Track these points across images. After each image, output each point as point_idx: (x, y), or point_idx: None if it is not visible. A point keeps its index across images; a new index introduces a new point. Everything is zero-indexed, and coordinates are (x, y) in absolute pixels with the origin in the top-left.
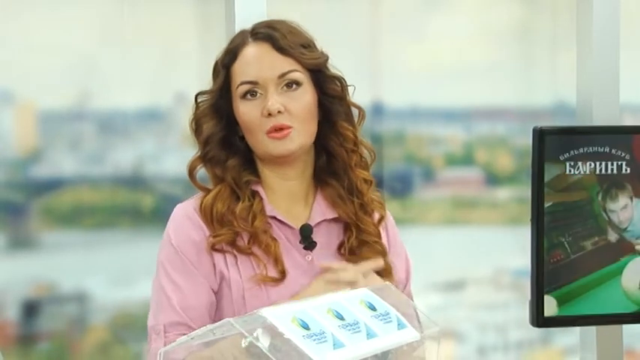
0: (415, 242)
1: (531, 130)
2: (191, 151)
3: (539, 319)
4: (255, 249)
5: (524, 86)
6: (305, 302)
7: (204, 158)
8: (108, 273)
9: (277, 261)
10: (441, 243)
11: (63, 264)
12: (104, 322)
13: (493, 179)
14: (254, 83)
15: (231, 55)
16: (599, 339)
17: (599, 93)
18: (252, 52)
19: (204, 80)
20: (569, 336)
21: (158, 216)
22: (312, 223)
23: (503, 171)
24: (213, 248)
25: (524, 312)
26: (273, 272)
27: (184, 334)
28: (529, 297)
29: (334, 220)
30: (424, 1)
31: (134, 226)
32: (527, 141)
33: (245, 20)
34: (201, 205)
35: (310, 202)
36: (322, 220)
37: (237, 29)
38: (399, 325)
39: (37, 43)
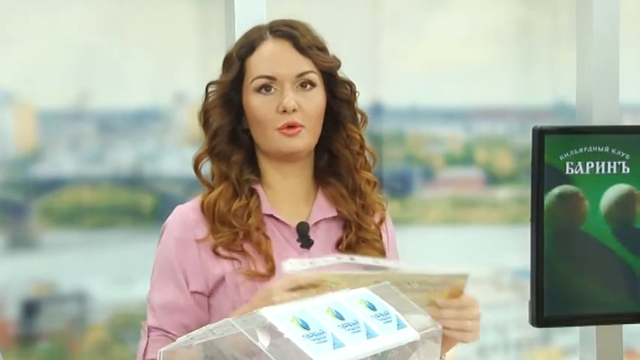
0: (415, 242)
1: (531, 130)
2: (190, 151)
3: (539, 319)
4: (247, 246)
5: (524, 86)
6: (305, 302)
7: (211, 152)
8: (107, 273)
9: (267, 258)
10: (441, 243)
11: (63, 264)
12: (104, 321)
13: (493, 179)
14: (271, 78)
15: (247, 48)
16: (599, 339)
17: (599, 93)
18: (272, 48)
19: (204, 80)
20: (569, 336)
21: (158, 216)
22: (312, 222)
23: (503, 171)
24: (214, 250)
25: (524, 312)
26: (263, 269)
27: (164, 337)
28: (529, 297)
29: (334, 218)
30: (424, 1)
31: (134, 225)
32: (527, 141)
33: (245, 20)
34: (202, 203)
35: (311, 201)
36: (321, 219)
37: (237, 29)
38: (398, 324)
39: (36, 42)
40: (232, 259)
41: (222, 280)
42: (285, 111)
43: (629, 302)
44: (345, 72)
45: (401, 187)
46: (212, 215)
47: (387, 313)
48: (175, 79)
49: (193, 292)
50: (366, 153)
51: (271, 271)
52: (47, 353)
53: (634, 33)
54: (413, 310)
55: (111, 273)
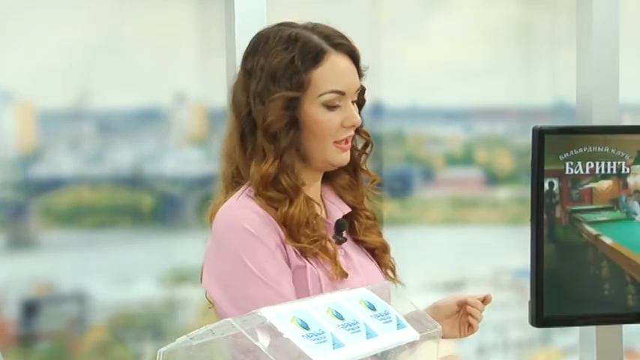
0: (415, 242)
1: (531, 130)
2: (190, 151)
3: (539, 319)
4: (318, 251)
5: (524, 86)
6: (304, 302)
7: (281, 166)
8: (107, 273)
9: (336, 263)
10: (441, 243)
11: (62, 264)
12: (103, 321)
13: (493, 179)
14: (342, 94)
15: (313, 59)
16: (599, 339)
17: (598, 93)
18: (340, 62)
19: (203, 80)
20: (569, 336)
21: (158, 216)
22: (339, 217)
23: (502, 171)
24: (304, 256)
25: (524, 312)
26: (334, 271)
27: None
28: (529, 297)
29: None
30: (424, 1)
31: (134, 226)
32: (527, 141)
33: (245, 20)
34: (287, 213)
35: (320, 199)
36: (343, 215)
37: (237, 29)
38: (398, 324)
39: (36, 42)
40: (308, 259)
41: (303, 271)
42: (353, 126)
43: (629, 302)
44: None
45: (401, 187)
46: (297, 224)
47: (387, 313)
48: (175, 79)
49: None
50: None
51: (342, 273)
52: (47, 353)
53: (634, 33)
54: (413, 310)
55: (111, 273)
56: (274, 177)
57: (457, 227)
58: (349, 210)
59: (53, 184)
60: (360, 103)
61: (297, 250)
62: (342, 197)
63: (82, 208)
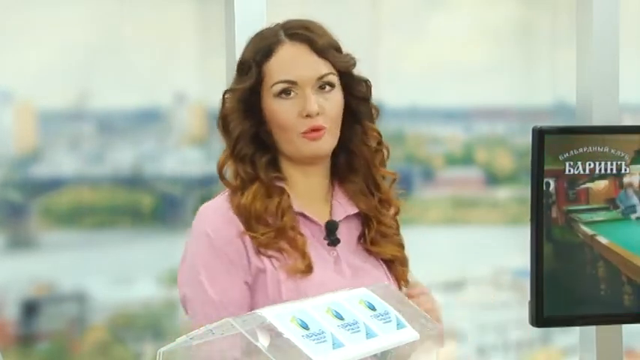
0: (415, 242)
1: (531, 130)
2: (190, 151)
3: (539, 319)
4: (283, 244)
5: (524, 86)
6: (304, 302)
7: (235, 156)
8: (107, 273)
9: (304, 255)
10: (441, 243)
11: (62, 264)
12: (103, 321)
13: (493, 179)
14: (292, 83)
15: (264, 52)
16: (599, 339)
17: (598, 93)
18: (291, 52)
19: (203, 80)
20: (569, 336)
21: (157, 216)
22: (337, 220)
23: (502, 171)
24: (259, 250)
25: (524, 312)
26: (300, 266)
27: None
28: (529, 297)
29: (354, 215)
30: (424, 1)
31: (133, 226)
32: (526, 141)
33: (245, 20)
34: (238, 204)
35: (329, 199)
36: (345, 217)
37: (237, 29)
38: (398, 324)
39: (36, 42)
40: (271, 256)
41: (263, 275)
42: (308, 115)
43: (626, 302)
44: None
45: (401, 188)
46: (248, 214)
47: (387, 313)
48: (175, 79)
49: (246, 283)
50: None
51: (308, 267)
52: (47, 353)
53: (634, 33)
54: (412, 310)
55: (111, 273)
56: (236, 168)
57: (457, 227)
58: (356, 211)
59: (53, 184)
60: (357, 93)
61: (258, 248)
62: (355, 202)
63: (82, 208)
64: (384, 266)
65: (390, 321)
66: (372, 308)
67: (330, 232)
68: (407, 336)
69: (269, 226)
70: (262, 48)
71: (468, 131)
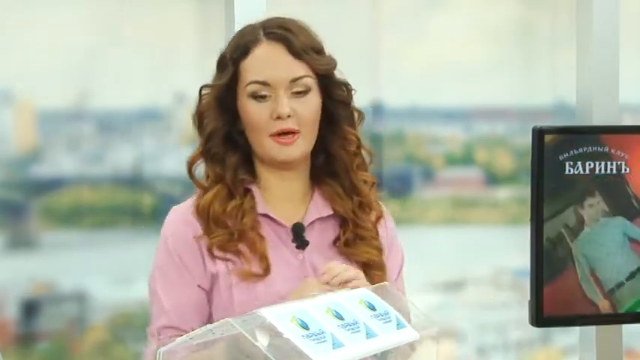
0: (415, 242)
1: (531, 130)
2: (190, 151)
3: (539, 319)
4: (242, 246)
5: (524, 86)
6: (304, 302)
7: (206, 154)
8: (107, 273)
9: (262, 258)
10: (441, 243)
11: (62, 263)
12: (103, 321)
13: (493, 179)
14: (265, 84)
15: (241, 50)
16: (599, 338)
17: (598, 93)
18: (266, 52)
19: (203, 80)
20: (569, 335)
21: (158, 216)
22: (307, 222)
23: (502, 171)
24: (209, 250)
25: (524, 312)
26: (257, 269)
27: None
28: (529, 297)
29: (329, 217)
30: (424, 1)
31: (134, 225)
32: (526, 141)
33: (245, 20)
34: (197, 204)
35: (307, 200)
36: (316, 219)
37: (237, 29)
38: (398, 324)
39: (36, 42)
40: (226, 259)
41: (216, 279)
42: (279, 117)
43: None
44: (345, 72)
45: (401, 187)
46: (207, 216)
47: (387, 313)
48: (175, 79)
49: (199, 287)
50: (364, 152)
51: (266, 270)
52: (47, 353)
53: (634, 33)
54: (412, 310)
55: (111, 273)
56: (205, 168)
57: (457, 227)
58: (329, 213)
59: (53, 184)
60: (336, 97)
61: (213, 251)
62: (331, 204)
63: (82, 208)
64: (361, 270)
65: (390, 321)
66: (372, 308)
67: (297, 235)
68: (407, 336)
69: (227, 229)
70: (240, 46)
71: (468, 131)
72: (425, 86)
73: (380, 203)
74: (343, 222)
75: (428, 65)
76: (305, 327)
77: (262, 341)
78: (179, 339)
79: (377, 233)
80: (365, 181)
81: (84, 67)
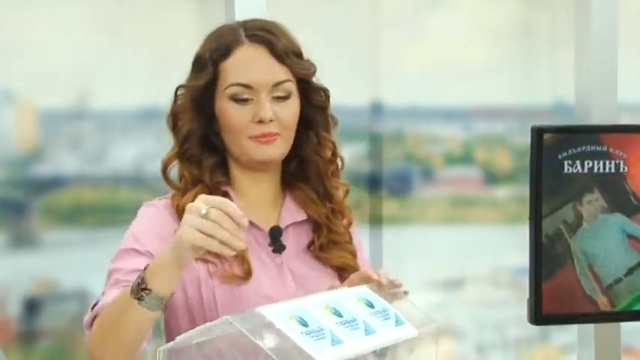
0: (414, 241)
1: (530, 129)
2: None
3: (538, 317)
4: None
5: (523, 85)
6: (303, 300)
7: (182, 156)
8: None
9: (243, 260)
10: (440, 241)
11: (64, 262)
12: None
13: (492, 178)
14: (248, 87)
15: (222, 50)
16: (598, 336)
17: (597, 92)
18: (249, 54)
19: None
20: (568, 333)
21: None
22: (282, 226)
23: (502, 170)
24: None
25: (523, 310)
26: (238, 271)
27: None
28: (527, 295)
29: (303, 222)
30: (424, 1)
31: None
32: (526, 140)
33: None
34: (177, 205)
35: (279, 205)
36: (291, 224)
37: None
38: (397, 321)
39: (37, 42)
40: (207, 261)
41: (197, 280)
42: (261, 121)
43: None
44: (344, 71)
45: (400, 187)
46: None
47: (386, 310)
48: (175, 78)
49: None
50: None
51: (247, 273)
52: (49, 351)
53: (633, 33)
54: (411, 308)
55: None
56: (181, 169)
57: (456, 226)
58: (304, 218)
59: (54, 183)
60: (314, 102)
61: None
62: (304, 209)
63: (83, 207)
64: (336, 274)
65: (388, 318)
66: (371, 306)
67: (275, 239)
68: (405, 333)
69: None
70: (220, 46)
71: (468, 131)
72: (425, 86)
73: (351, 210)
74: (317, 227)
75: (428, 65)
76: (304, 324)
77: (268, 340)
78: (178, 337)
79: (350, 238)
80: (337, 188)
81: (84, 67)
